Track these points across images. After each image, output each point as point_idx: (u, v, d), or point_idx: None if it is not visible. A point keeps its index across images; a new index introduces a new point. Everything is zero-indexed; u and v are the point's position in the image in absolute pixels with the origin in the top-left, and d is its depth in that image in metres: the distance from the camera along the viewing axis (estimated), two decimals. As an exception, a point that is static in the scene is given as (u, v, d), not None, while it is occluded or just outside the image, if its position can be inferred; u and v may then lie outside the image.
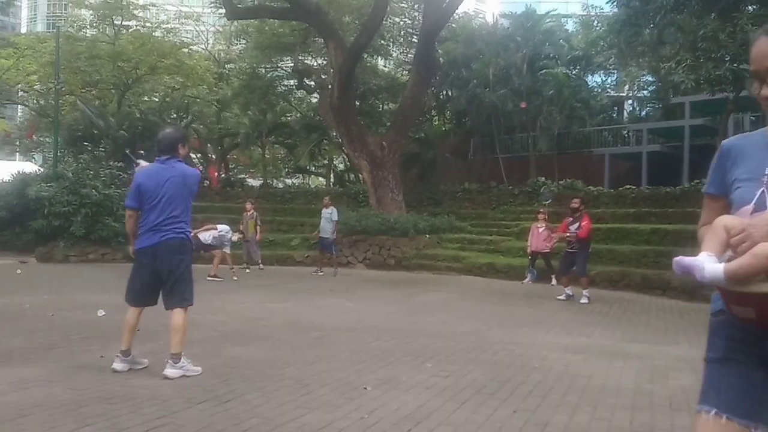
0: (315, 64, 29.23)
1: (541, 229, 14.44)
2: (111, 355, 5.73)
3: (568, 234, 11.51)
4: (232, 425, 3.84)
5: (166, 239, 4.97)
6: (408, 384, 4.99)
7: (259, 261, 16.25)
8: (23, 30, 68.59)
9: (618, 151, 25.78)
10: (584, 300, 11.13)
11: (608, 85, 32.56)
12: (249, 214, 16.04)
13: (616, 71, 30.55)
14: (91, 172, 18.69)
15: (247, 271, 15.45)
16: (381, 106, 30.07)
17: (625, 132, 27.54)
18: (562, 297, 11.50)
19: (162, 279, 5.04)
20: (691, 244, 8.27)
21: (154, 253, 4.98)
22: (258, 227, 16.09)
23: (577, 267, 11.39)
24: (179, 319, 4.98)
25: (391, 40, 28.09)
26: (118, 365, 5.07)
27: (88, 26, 29.28)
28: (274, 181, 34.99)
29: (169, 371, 4.89)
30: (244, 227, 15.70)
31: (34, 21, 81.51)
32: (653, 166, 23.22)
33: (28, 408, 4.07)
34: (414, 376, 5.24)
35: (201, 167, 33.06)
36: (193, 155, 31.94)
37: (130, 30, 28.82)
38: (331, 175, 34.55)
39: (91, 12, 28.54)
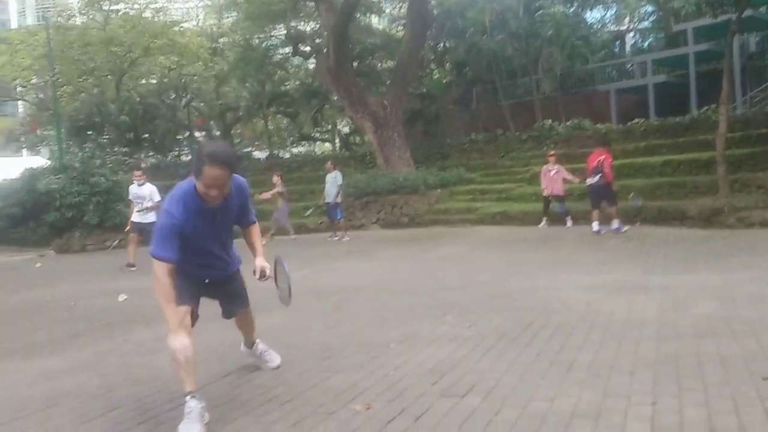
0: (308, 29, 28.82)
1: (552, 172, 14.27)
2: (134, 338, 5.79)
3: (588, 182, 12.17)
4: (259, 395, 3.86)
5: None
6: (430, 338, 4.99)
7: (291, 230, 16.28)
8: (14, 25, 68.06)
9: (623, 85, 25.39)
10: (616, 226, 11.97)
11: (608, 20, 31.96)
12: (278, 187, 15.98)
13: (614, 4, 29.91)
14: (98, 161, 18.70)
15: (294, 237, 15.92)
16: (379, 64, 29.67)
17: (629, 65, 27.10)
18: (596, 229, 12.01)
19: None
20: (704, 172, 8.28)
21: None
22: (285, 198, 16.17)
23: (607, 199, 12.03)
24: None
25: (383, -5, 27.61)
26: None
27: (77, 14, 28.99)
28: (281, 151, 34.88)
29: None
30: (274, 198, 15.85)
31: (24, 15, 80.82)
32: (660, 98, 22.88)
33: (57, 397, 4.11)
34: (435, 330, 5.24)
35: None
36: (197, 134, 31.91)
37: (119, 13, 28.50)
38: (336, 140, 34.36)
39: (78, -1, 28.27)
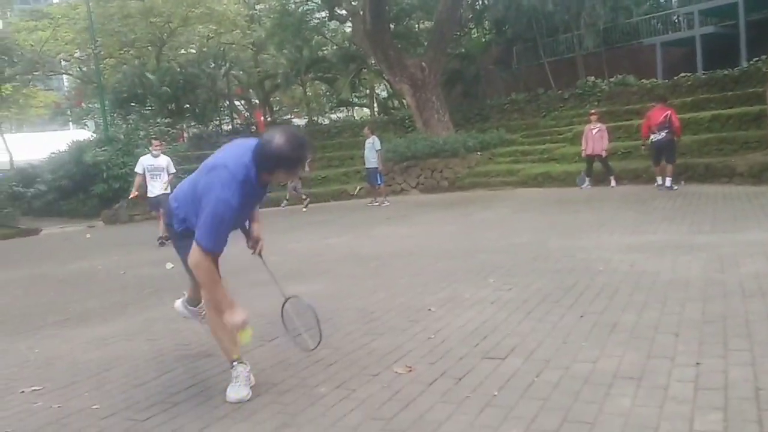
0: (344, -9, 28.49)
1: (594, 131, 13.99)
2: (182, 304, 5.95)
3: (653, 139, 12.17)
4: (304, 357, 3.94)
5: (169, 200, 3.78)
6: (471, 301, 5.00)
7: (303, 198, 16.56)
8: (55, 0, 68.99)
9: (669, 38, 24.49)
10: (669, 183, 12.02)
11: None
12: None
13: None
14: (142, 132, 19.04)
15: (304, 208, 15.99)
16: (416, 25, 29.24)
17: (675, 17, 26.08)
18: (659, 183, 12.29)
19: None
20: (755, 127, 8.00)
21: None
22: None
23: (667, 155, 12.03)
24: (206, 315, 3.75)
25: (419, -46, 27.03)
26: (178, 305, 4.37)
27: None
28: (319, 117, 34.91)
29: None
30: None
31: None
32: (708, 50, 22.05)
33: (110, 361, 4.27)
34: (477, 293, 5.24)
35: (246, 113, 33.26)
36: (237, 102, 32.09)
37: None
38: (375, 104, 34.17)
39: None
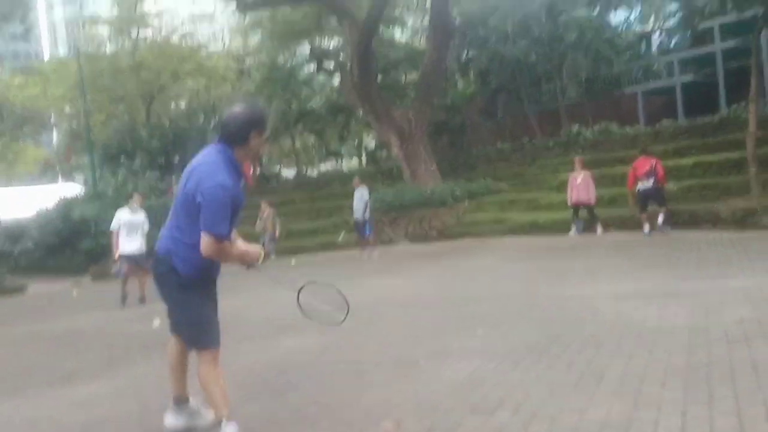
0: (332, 45, 29.13)
1: (579, 179, 14.20)
2: (170, 361, 5.91)
3: (640, 188, 12.71)
4: (292, 415, 3.93)
5: (155, 251, 3.61)
6: (460, 352, 5.01)
7: (272, 254, 16.68)
8: (46, 56, 69.99)
9: (650, 87, 25.16)
10: (662, 225, 12.37)
11: (632, 21, 31.65)
12: (266, 214, 17.12)
13: (638, 4, 29.64)
14: (131, 186, 19.10)
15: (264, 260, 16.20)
16: (403, 77, 29.82)
17: (656, 66, 26.83)
18: (646, 231, 12.43)
19: None
20: (736, 173, 8.21)
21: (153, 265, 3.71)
22: (276, 225, 17.21)
23: (658, 201, 12.60)
24: (200, 369, 3.55)
25: (405, 8, 27.77)
26: (169, 420, 3.85)
27: (107, 42, 29.76)
28: (308, 169, 35.20)
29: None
30: (263, 226, 16.28)
31: (55, 45, 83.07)
32: (688, 98, 22.65)
33: (96, 424, 4.23)
34: (466, 343, 5.26)
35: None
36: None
37: (147, 40, 29.17)
38: (363, 155, 34.56)
39: (108, 27, 28.98)
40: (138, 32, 28.78)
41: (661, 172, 12.63)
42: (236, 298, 8.69)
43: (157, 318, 8.39)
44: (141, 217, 10.85)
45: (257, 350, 5.69)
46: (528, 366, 4.42)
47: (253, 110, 3.52)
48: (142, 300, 10.50)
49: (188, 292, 3.51)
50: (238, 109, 3.51)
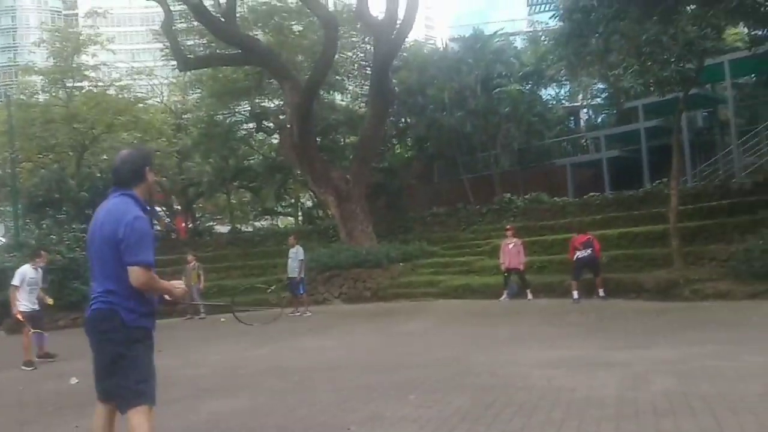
0: (272, 105, 29.26)
1: (510, 245, 14.55)
2: (86, 424, 5.57)
3: (578, 256, 13.40)
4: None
5: (93, 310, 3.52)
6: (392, 419, 4.93)
7: (202, 310, 16.64)
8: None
9: (579, 160, 26.18)
10: (602, 294, 12.99)
11: (562, 97, 33.17)
12: (191, 265, 16.83)
13: (568, 82, 31.15)
14: (55, 237, 18.38)
15: (188, 318, 16.23)
16: (342, 140, 30.14)
17: (584, 141, 28.03)
18: (575, 298, 12.94)
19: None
20: (660, 245, 8.54)
21: (86, 328, 3.61)
22: (201, 277, 16.88)
23: (595, 270, 13.31)
24: (129, 426, 3.44)
25: (346, 74, 28.28)
26: None
27: (40, 91, 29.02)
28: (243, 225, 34.77)
29: None
30: (187, 278, 15.80)
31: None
32: (614, 172, 23.62)
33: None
34: (398, 411, 5.18)
35: (167, 220, 32.75)
36: (158, 208, 31.63)
37: (83, 91, 28.61)
38: (300, 214, 34.45)
39: (41, 77, 28.32)
40: (73, 83, 28.22)
41: (597, 245, 13.44)
42: (161, 357, 8.34)
43: (74, 377, 7.99)
44: (40, 274, 10.66)
45: (182, 412, 5.44)
46: (460, 435, 4.38)
47: (140, 149, 3.89)
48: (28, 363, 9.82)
49: (137, 346, 3.46)
50: (126, 152, 3.70)
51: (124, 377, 3.44)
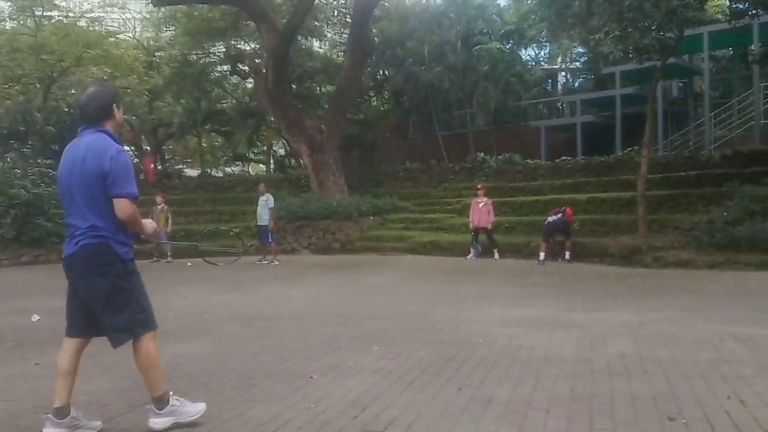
0: (248, 48, 28.67)
1: (481, 205, 14.66)
2: (46, 361, 5.54)
3: (549, 219, 13.82)
4: (177, 427, 3.76)
5: (80, 246, 3.52)
6: (354, 369, 4.99)
7: (168, 253, 16.69)
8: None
9: (553, 123, 26.27)
10: (568, 257, 13.38)
11: (541, 58, 33.12)
12: (160, 207, 16.68)
13: (548, 44, 31.08)
14: (19, 171, 17.99)
15: (155, 260, 16.33)
16: (318, 88, 29.76)
17: (560, 104, 28.07)
18: (541, 259, 13.31)
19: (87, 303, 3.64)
20: (626, 211, 8.68)
21: (70, 266, 3.62)
22: (169, 220, 16.87)
23: (565, 233, 13.59)
24: (135, 357, 3.66)
25: (325, 20, 27.76)
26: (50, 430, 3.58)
27: (7, 19, 27.93)
28: (213, 170, 34.37)
29: (153, 421, 3.67)
30: (154, 220, 15.62)
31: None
32: (587, 137, 23.77)
33: (-42, 424, 3.90)
34: (360, 361, 5.24)
35: (136, 160, 32.20)
36: (126, 148, 31.05)
37: (52, 21, 27.59)
38: (271, 161, 34.16)
39: (9, 3, 27.21)
40: (42, 12, 27.19)
41: (569, 211, 13.81)
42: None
43: (36, 314, 7.92)
44: None
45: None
46: (421, 387, 4.45)
47: (106, 86, 3.92)
48: None
49: (134, 277, 3.65)
50: (92, 89, 3.72)
51: (124, 310, 3.56)
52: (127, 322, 3.57)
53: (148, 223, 3.78)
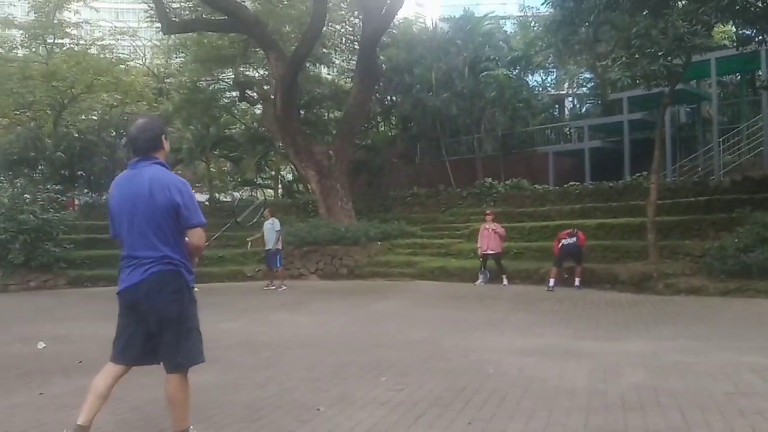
0: (257, 75, 28.90)
1: (489, 230, 14.58)
2: (51, 391, 5.48)
3: (564, 243, 13.61)
4: (181, 460, 3.69)
5: (151, 274, 3.61)
6: (363, 401, 4.90)
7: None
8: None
9: (561, 148, 26.21)
10: (578, 283, 13.20)
11: (548, 84, 33.17)
12: None
13: (555, 70, 31.14)
14: (29, 197, 18.02)
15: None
16: (326, 114, 29.90)
17: (567, 129, 28.04)
18: (550, 285, 13.14)
19: (153, 331, 3.72)
20: (636, 237, 8.59)
21: (135, 294, 3.65)
22: None
23: (577, 259, 13.44)
24: (173, 388, 3.68)
25: (333, 48, 27.96)
26: None
27: (20, 46, 28.28)
28: (221, 195, 34.43)
29: None
30: None
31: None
32: (596, 162, 23.70)
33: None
34: (369, 392, 5.16)
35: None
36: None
37: (63, 48, 27.91)
38: (279, 187, 34.21)
39: (21, 32, 27.56)
40: (54, 39, 27.52)
41: (582, 236, 13.71)
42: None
43: (42, 341, 7.88)
44: None
45: (151, 385, 5.35)
46: (431, 420, 4.36)
47: (154, 119, 4.09)
48: None
49: (194, 306, 3.85)
50: (142, 121, 3.82)
51: (190, 337, 3.75)
52: (192, 349, 3.73)
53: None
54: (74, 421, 4.50)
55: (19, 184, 18.78)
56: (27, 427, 4.42)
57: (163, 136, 3.81)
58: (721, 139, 21.16)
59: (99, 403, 3.69)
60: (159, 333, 3.67)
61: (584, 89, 32.67)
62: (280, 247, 15.40)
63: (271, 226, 15.36)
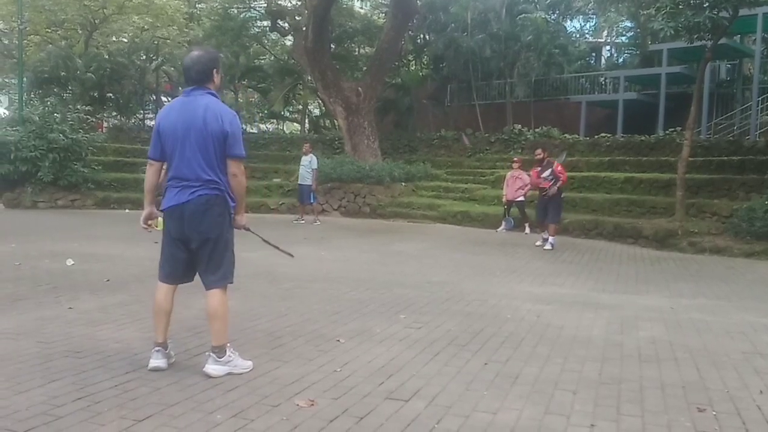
0: (289, 4, 28.43)
1: (515, 178, 14.45)
2: (79, 306, 5.65)
3: (541, 184, 11.93)
4: (203, 380, 3.80)
5: (198, 196, 3.81)
6: (381, 336, 4.99)
7: None
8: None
9: (595, 98, 25.67)
10: (548, 246, 11.55)
11: (587, 31, 32.27)
12: None
13: (594, 17, 30.20)
14: (59, 116, 18.20)
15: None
16: (357, 49, 29.47)
17: (602, 79, 27.39)
18: (539, 243, 11.93)
19: (193, 249, 3.94)
20: (663, 193, 8.45)
21: (181, 214, 3.84)
22: None
23: (550, 213, 11.70)
24: (216, 303, 3.94)
25: (368, -19, 27.39)
26: (156, 362, 3.97)
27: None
28: (248, 126, 34.43)
29: (211, 368, 3.90)
30: None
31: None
32: (629, 114, 23.22)
33: (-7, 363, 3.99)
34: (387, 328, 5.24)
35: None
36: (164, 98, 31.28)
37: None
38: (306, 121, 34.07)
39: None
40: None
41: (562, 175, 12.02)
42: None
43: (70, 258, 8.07)
44: None
45: (175, 308, 5.49)
46: (447, 359, 4.43)
47: (209, 51, 4.06)
48: None
49: (233, 230, 4.06)
50: (196, 53, 3.96)
51: (225, 257, 3.96)
52: (226, 269, 3.96)
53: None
54: (102, 336, 4.67)
55: (49, 103, 18.91)
56: (56, 339, 4.57)
57: (215, 70, 3.93)
58: (760, 98, 20.56)
59: (166, 318, 4.00)
60: (198, 251, 3.91)
61: (623, 38, 31.77)
62: (315, 184, 15.33)
63: (309, 162, 15.26)
